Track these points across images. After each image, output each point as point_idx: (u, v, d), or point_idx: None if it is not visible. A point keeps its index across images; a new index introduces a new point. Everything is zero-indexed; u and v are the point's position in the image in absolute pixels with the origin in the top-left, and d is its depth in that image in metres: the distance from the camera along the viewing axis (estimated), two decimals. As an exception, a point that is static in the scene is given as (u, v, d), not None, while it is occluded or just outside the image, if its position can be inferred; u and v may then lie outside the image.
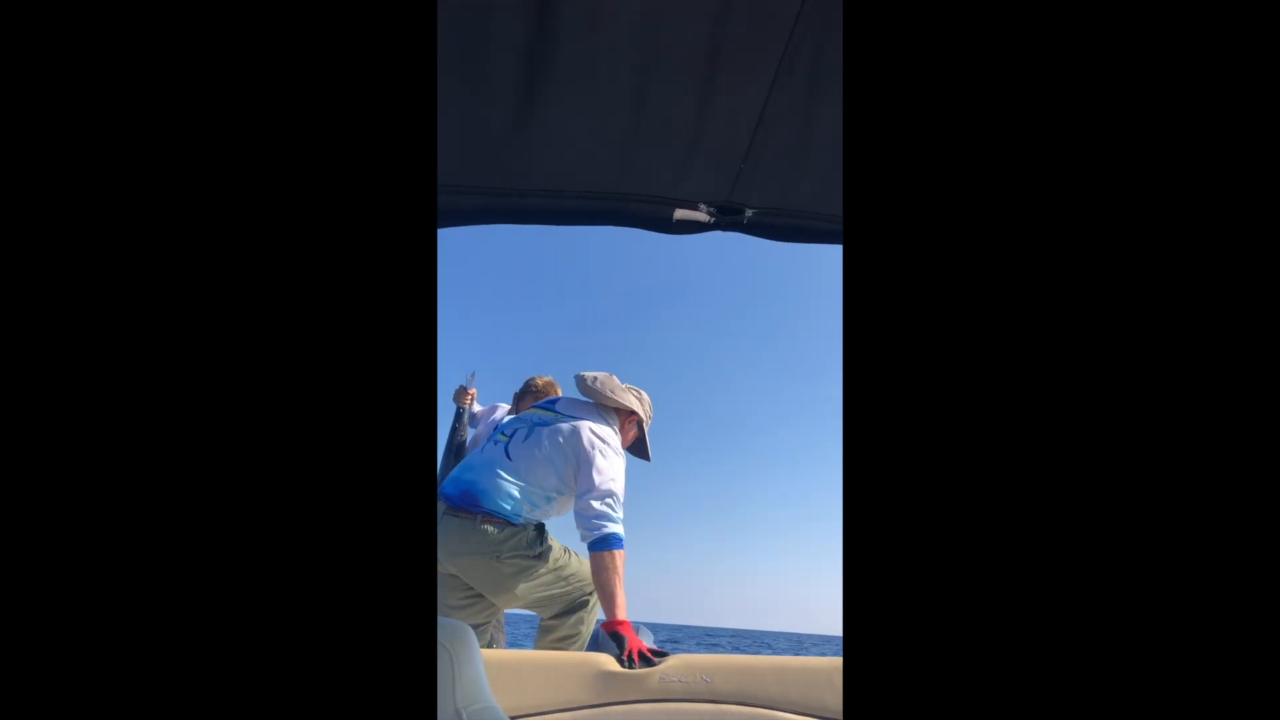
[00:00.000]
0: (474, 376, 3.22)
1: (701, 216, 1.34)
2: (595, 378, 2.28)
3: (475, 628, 2.69)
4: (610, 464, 2.07)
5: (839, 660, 1.82)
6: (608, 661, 1.72)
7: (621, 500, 2.05)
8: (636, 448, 2.40)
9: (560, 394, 2.74)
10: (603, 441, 2.10)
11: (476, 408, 3.17)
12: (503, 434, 2.21)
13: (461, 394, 3.11)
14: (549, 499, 2.11)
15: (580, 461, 2.07)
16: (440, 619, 0.79)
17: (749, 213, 1.34)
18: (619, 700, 1.65)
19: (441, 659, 0.77)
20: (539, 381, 2.93)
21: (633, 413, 2.31)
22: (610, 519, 2.00)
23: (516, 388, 3.05)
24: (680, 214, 1.33)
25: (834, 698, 1.67)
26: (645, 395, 2.38)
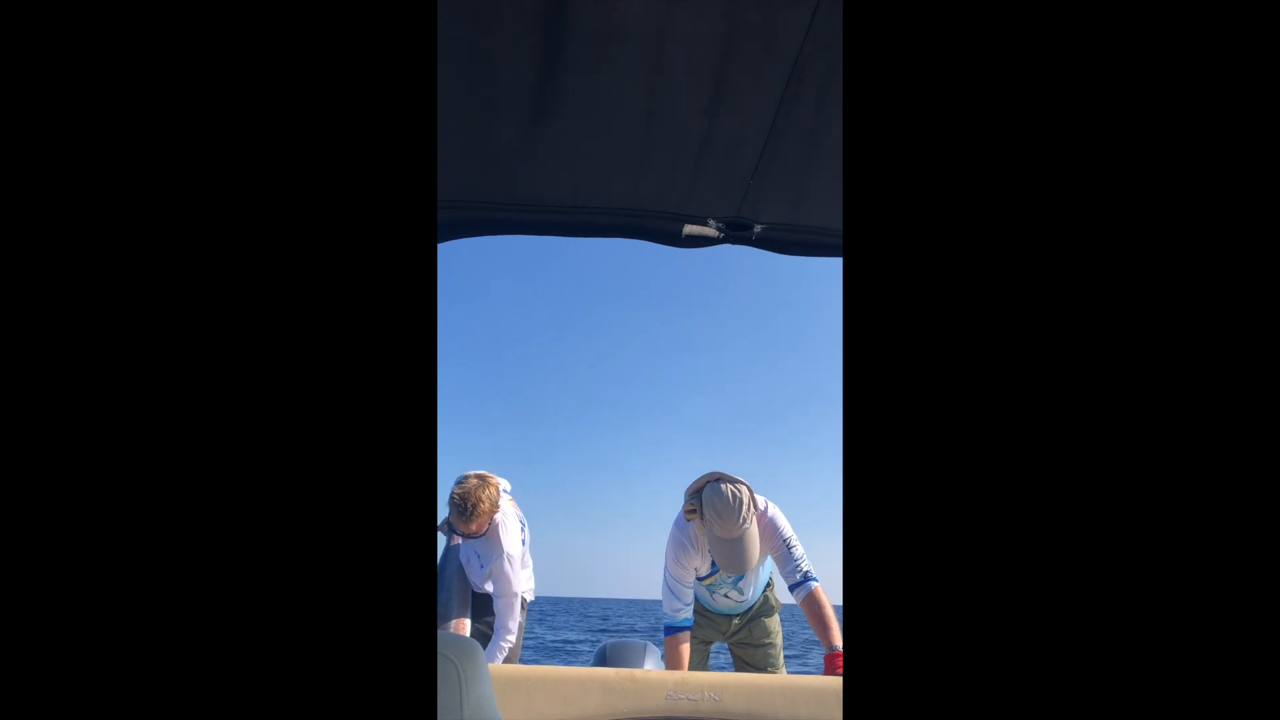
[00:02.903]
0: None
1: (710, 231, 1.35)
2: None
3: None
4: (667, 556, 2.31)
5: None
6: (614, 677, 1.71)
7: (679, 586, 2.25)
8: (713, 546, 2.21)
9: (496, 489, 2.59)
10: (669, 538, 2.33)
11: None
12: None
13: None
14: None
15: None
16: (448, 635, 0.79)
17: (757, 228, 1.35)
18: (626, 716, 1.64)
19: (449, 674, 0.77)
20: (455, 492, 2.59)
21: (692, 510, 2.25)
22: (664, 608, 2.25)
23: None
24: (689, 229, 1.34)
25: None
26: (714, 497, 2.15)
